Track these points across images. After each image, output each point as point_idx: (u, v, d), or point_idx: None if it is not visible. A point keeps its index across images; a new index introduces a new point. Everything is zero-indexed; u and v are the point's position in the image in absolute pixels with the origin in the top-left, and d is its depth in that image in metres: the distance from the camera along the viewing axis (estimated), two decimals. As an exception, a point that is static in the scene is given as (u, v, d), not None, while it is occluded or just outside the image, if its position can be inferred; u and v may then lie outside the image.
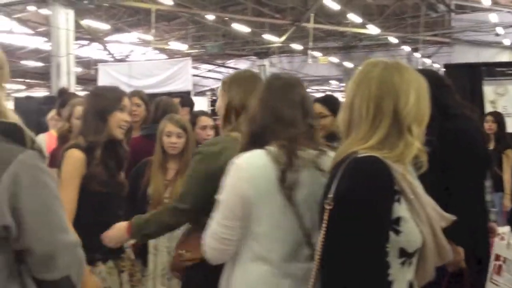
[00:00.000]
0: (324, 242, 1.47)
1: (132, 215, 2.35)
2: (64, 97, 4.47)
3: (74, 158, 2.54)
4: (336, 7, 16.41)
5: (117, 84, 6.28)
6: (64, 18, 12.59)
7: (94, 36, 18.54)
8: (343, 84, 24.02)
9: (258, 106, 1.86)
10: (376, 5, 19.51)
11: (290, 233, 1.74)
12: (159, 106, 4.01)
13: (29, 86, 25.50)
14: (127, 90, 3.40)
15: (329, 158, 1.70)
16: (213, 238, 1.78)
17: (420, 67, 13.69)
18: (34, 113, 7.69)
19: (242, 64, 27.35)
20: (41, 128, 4.93)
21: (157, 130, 3.37)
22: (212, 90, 24.11)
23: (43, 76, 20.63)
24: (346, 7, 17.05)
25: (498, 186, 5.65)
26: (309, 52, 19.98)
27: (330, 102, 3.47)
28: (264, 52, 22.17)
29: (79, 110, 3.52)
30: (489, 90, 7.43)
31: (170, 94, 5.47)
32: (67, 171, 2.55)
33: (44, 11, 15.66)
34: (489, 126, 5.89)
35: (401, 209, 1.45)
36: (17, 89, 24.16)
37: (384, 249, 1.42)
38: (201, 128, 3.98)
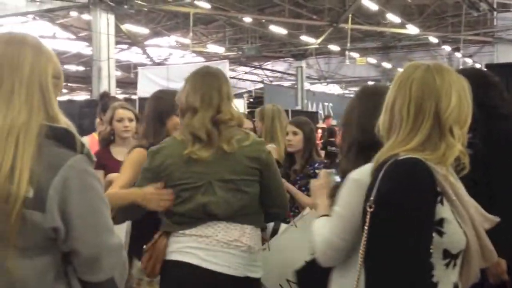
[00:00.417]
0: (366, 245, 1.46)
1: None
2: (105, 100, 4.55)
3: (138, 152, 2.66)
4: (374, 7, 16.25)
5: (156, 88, 6.38)
6: (105, 23, 12.85)
7: (133, 40, 18.91)
8: (382, 85, 23.66)
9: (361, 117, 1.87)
10: (415, 5, 19.22)
11: None
12: None
13: (71, 90, 26.20)
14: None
15: None
16: (329, 248, 1.76)
17: (461, 67, 13.40)
18: (75, 116, 7.87)
19: (279, 66, 27.38)
20: (83, 131, 5.05)
21: None
22: (249, 92, 24.22)
23: (84, 80, 21.15)
24: (384, 7, 16.87)
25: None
26: (347, 53, 19.83)
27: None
28: (301, 54, 22.12)
29: (120, 113, 3.60)
30: (533, 90, 7.20)
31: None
32: (129, 158, 2.67)
33: (85, 17, 16.10)
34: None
35: (444, 211, 1.44)
36: (59, 92, 24.78)
37: (427, 250, 1.40)
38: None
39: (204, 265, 2.19)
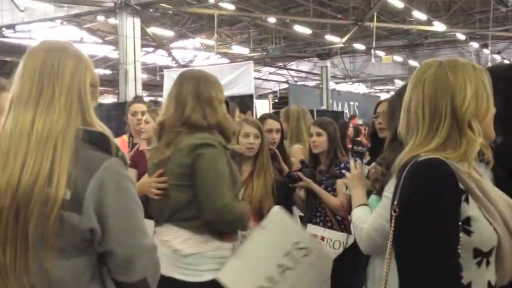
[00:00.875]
0: (393, 248, 1.45)
1: None
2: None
3: None
4: (400, 4, 16.07)
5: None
6: (131, 26, 13.00)
7: (159, 43, 19.08)
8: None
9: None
10: (442, 1, 18.95)
11: None
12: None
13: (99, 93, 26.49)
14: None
15: None
16: (379, 235, 1.83)
17: (490, 64, 13.10)
18: (103, 119, 7.94)
19: (304, 66, 27.32)
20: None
21: None
22: (274, 92, 24.22)
23: (111, 83, 21.42)
24: (410, 4, 16.67)
25: None
26: (372, 51, 19.66)
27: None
28: (326, 53, 22.01)
29: (134, 107, 3.72)
30: None
31: (233, 98, 5.51)
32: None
33: (112, 21, 16.32)
34: None
35: (470, 209, 1.40)
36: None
37: (454, 250, 1.37)
38: (267, 131, 3.89)
39: None
